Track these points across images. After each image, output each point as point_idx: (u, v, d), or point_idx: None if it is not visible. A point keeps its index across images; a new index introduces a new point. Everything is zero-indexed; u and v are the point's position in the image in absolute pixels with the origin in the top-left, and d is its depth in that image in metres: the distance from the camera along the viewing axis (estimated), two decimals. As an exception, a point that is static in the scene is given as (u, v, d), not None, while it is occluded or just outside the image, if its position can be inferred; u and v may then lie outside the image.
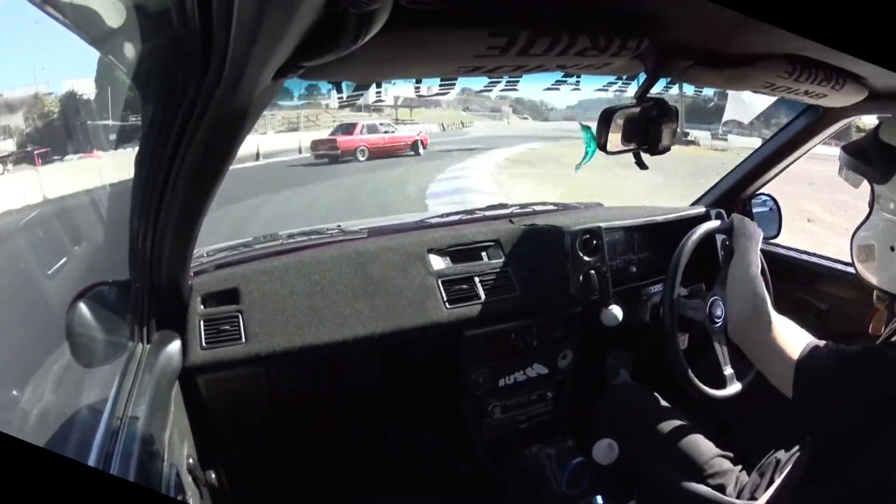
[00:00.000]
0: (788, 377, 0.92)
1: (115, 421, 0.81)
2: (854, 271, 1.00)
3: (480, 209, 1.73)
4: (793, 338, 0.99)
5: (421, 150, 12.89)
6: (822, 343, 0.94)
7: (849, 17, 0.49)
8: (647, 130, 0.99)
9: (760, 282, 1.13)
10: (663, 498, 1.27)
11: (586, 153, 1.09)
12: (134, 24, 0.66)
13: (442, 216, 1.68)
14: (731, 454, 1.23)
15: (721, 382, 1.31)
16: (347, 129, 12.12)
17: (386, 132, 12.64)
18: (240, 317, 1.21)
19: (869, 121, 1.50)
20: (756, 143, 2.02)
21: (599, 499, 1.41)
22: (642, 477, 1.36)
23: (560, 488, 1.44)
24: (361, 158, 11.70)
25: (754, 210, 1.81)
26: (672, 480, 1.21)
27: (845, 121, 1.48)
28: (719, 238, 1.48)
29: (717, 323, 1.33)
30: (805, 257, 1.68)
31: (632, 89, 1.04)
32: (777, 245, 1.76)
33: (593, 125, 0.97)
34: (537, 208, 1.76)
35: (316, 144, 11.95)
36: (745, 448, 1.24)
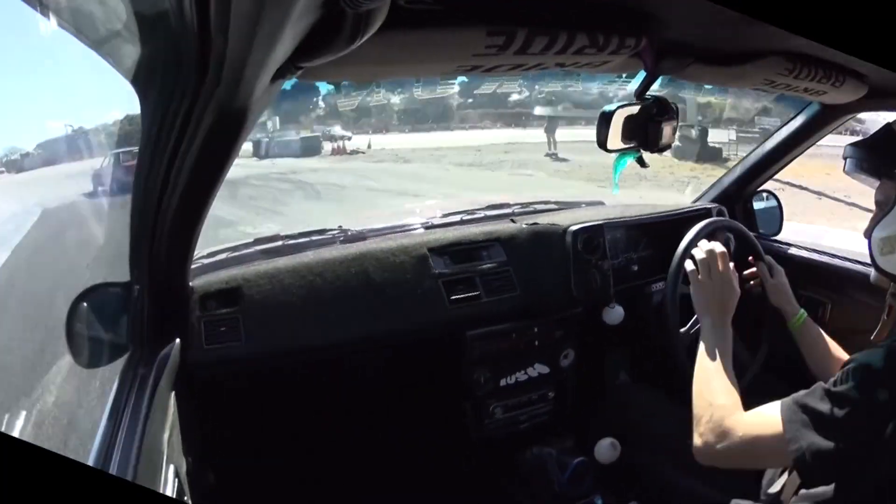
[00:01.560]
0: (783, 455, 0.83)
1: (114, 422, 0.81)
2: (862, 269, 0.95)
3: (481, 209, 1.73)
4: (765, 415, 0.87)
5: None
6: (798, 398, 0.84)
7: (847, 16, 0.49)
8: (646, 128, 0.99)
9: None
10: (664, 498, 1.27)
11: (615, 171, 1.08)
12: (132, 27, 0.66)
13: (443, 216, 1.68)
14: None
15: None
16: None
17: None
18: (240, 318, 1.21)
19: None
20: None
21: (600, 499, 1.41)
22: (643, 477, 1.36)
23: (562, 487, 1.44)
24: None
25: (756, 207, 1.81)
26: (673, 481, 1.20)
27: (846, 117, 1.48)
28: (720, 235, 1.48)
29: None
30: (805, 253, 1.68)
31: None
32: (778, 241, 1.76)
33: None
34: (538, 207, 1.76)
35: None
36: None
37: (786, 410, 0.84)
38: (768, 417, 0.86)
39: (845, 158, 0.96)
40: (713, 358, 1.03)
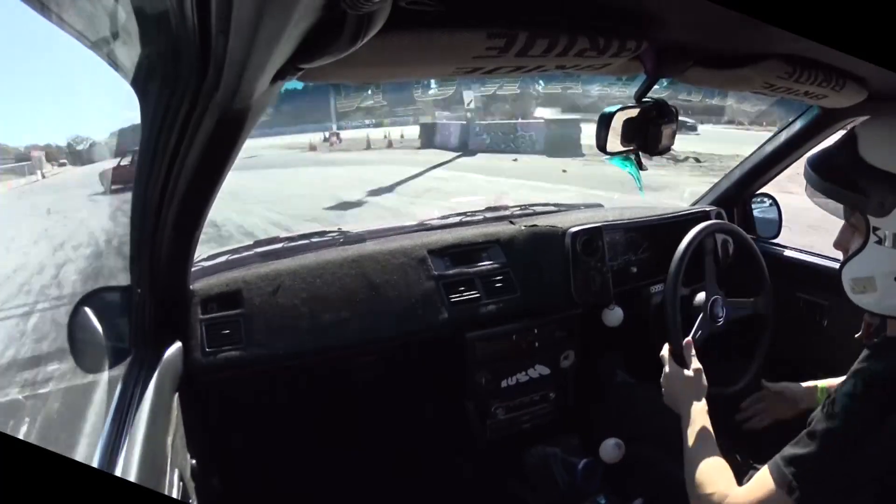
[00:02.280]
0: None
1: (118, 426, 0.81)
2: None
3: (481, 211, 1.73)
4: (757, 480, 0.88)
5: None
6: (782, 453, 0.87)
7: (849, 16, 0.49)
8: (646, 131, 0.99)
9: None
10: (670, 496, 1.26)
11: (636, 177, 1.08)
12: (133, 28, 0.66)
13: (442, 218, 1.69)
14: (737, 451, 1.23)
15: (725, 380, 1.31)
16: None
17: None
18: (241, 321, 1.21)
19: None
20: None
21: (603, 499, 1.41)
22: (649, 475, 1.35)
23: (567, 487, 1.43)
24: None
25: (755, 210, 1.81)
26: (679, 478, 1.20)
27: (845, 121, 1.48)
28: (719, 237, 1.49)
29: (719, 322, 1.33)
30: (803, 256, 1.68)
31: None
32: (777, 245, 1.76)
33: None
34: (538, 209, 1.76)
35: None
36: (750, 446, 1.23)
37: (773, 468, 0.86)
38: (760, 481, 0.87)
39: (807, 177, 0.92)
40: (698, 444, 1.06)
